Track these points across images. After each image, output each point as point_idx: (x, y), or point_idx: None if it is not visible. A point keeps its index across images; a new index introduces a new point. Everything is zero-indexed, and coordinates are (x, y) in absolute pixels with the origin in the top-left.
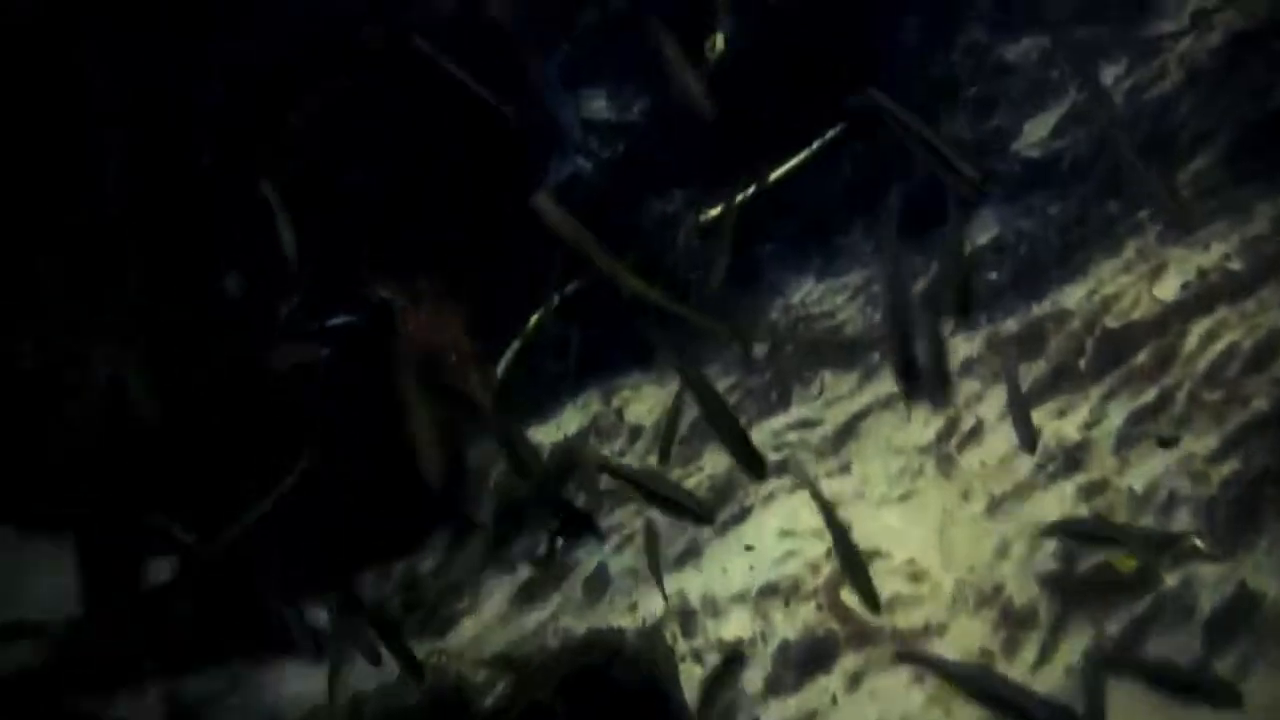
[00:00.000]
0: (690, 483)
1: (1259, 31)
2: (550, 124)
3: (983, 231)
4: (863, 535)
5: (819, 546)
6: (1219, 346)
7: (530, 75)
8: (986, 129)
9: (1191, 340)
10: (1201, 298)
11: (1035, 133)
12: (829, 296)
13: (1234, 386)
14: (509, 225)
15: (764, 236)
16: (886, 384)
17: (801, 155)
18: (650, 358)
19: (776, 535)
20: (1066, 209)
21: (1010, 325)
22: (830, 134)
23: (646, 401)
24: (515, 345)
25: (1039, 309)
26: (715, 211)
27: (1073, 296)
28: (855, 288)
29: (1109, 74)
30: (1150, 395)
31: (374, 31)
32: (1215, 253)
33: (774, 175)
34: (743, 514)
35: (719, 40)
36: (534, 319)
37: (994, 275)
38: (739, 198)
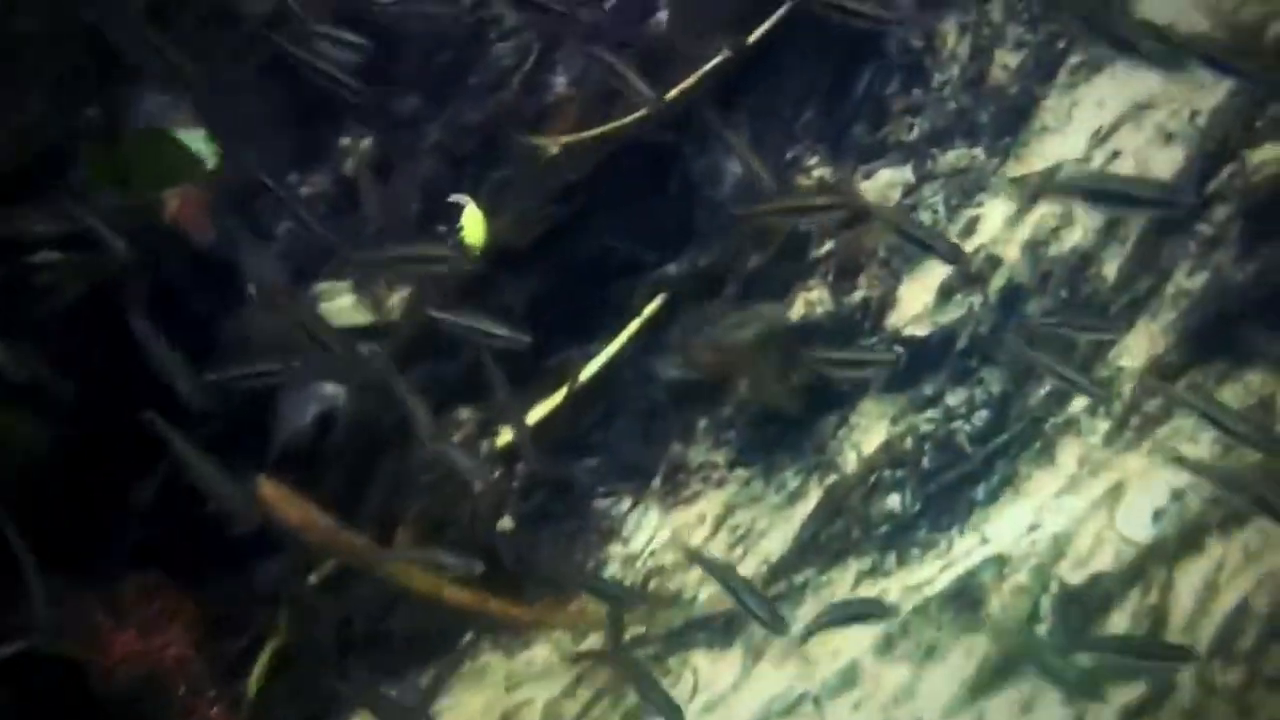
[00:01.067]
0: None
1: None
2: None
3: (866, 435)
4: None
5: None
6: (1223, 604)
7: None
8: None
9: (1184, 598)
10: (1186, 532)
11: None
12: (686, 532)
13: (1254, 663)
14: None
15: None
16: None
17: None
18: None
19: None
20: (973, 401)
21: (925, 574)
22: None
23: None
24: (270, 649)
25: (963, 551)
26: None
27: (1007, 533)
28: (716, 518)
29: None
30: (1139, 693)
31: None
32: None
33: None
34: None
35: None
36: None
37: (894, 502)
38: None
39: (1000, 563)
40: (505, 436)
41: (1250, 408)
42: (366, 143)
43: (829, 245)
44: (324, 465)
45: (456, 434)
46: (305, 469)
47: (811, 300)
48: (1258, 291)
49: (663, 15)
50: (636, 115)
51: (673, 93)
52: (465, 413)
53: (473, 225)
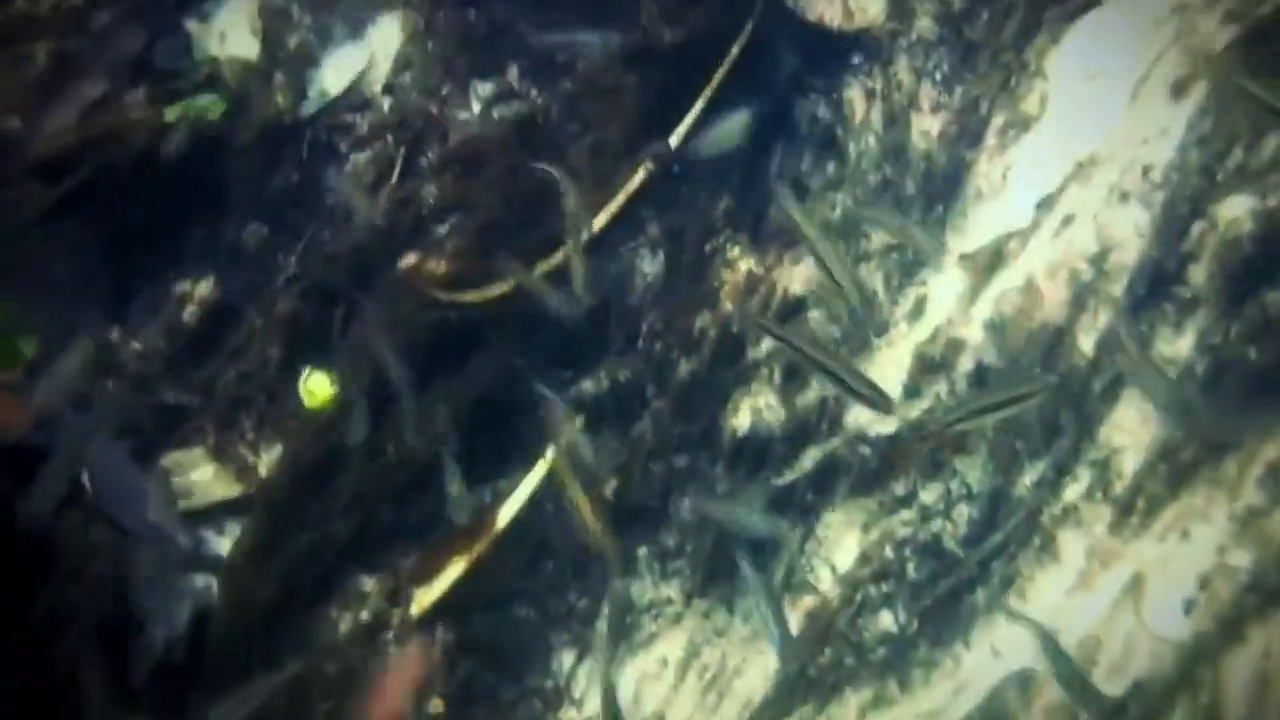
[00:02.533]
0: None
1: None
2: None
3: (837, 548)
4: None
5: None
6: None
7: None
8: (802, 406)
9: (1236, 696)
10: (1224, 622)
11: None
12: (647, 684)
13: None
14: None
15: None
16: None
17: None
18: None
19: None
20: (949, 496)
21: (937, 700)
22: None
23: None
24: None
25: (975, 669)
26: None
27: (1023, 644)
28: (680, 661)
29: None
30: None
31: None
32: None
33: None
34: None
35: None
36: None
37: (886, 621)
38: None
39: (1024, 679)
40: (421, 603)
41: (1261, 478)
42: (206, 284)
43: (767, 344)
44: (208, 675)
45: (362, 609)
46: (185, 684)
47: (758, 407)
48: (1245, 351)
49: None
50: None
51: (601, 218)
52: (369, 582)
53: (316, 390)
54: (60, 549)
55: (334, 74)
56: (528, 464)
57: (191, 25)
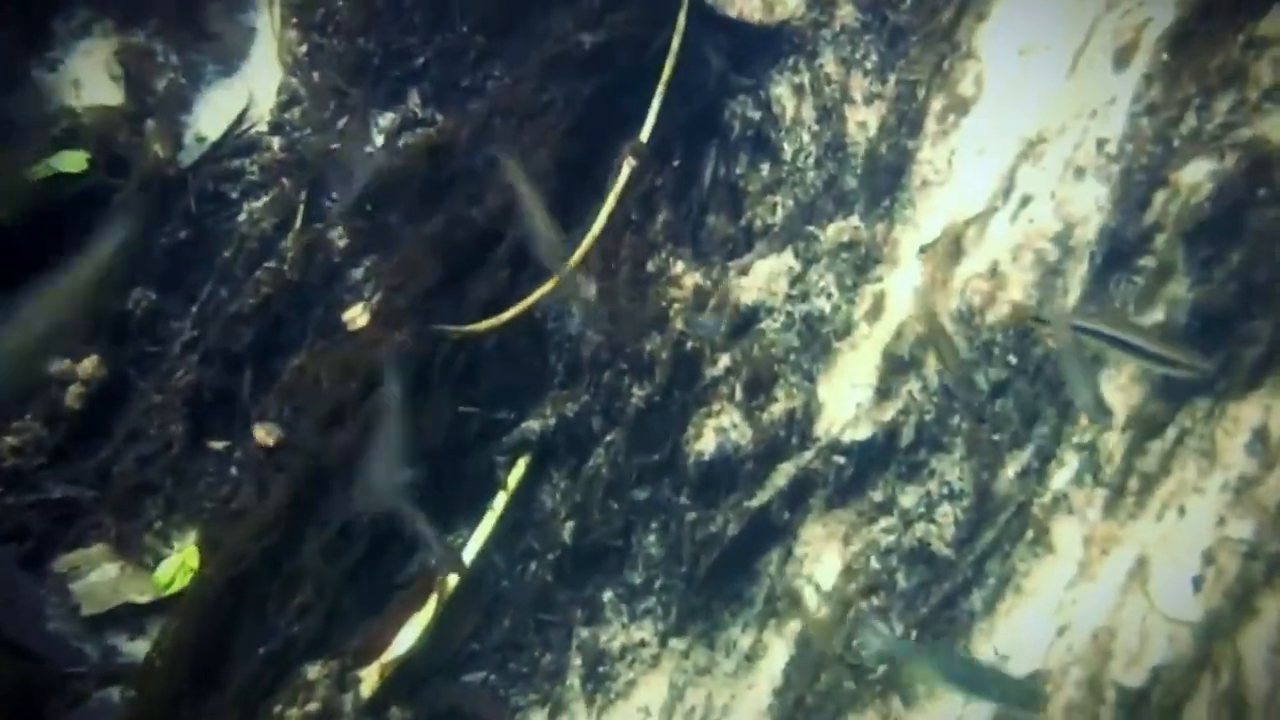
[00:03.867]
0: None
1: None
2: None
3: (819, 563)
4: None
5: None
6: None
7: None
8: (768, 421)
9: (1258, 671)
10: (1234, 596)
11: (843, 402)
12: None
13: None
14: None
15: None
16: None
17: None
18: None
19: None
20: (930, 498)
21: (946, 712)
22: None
23: None
24: None
25: None
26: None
27: (1030, 642)
28: (664, 707)
29: None
30: None
31: None
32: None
33: None
34: None
35: None
36: None
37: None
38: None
39: (1035, 681)
40: (372, 683)
41: (1248, 444)
42: (89, 361)
43: (725, 360)
44: None
45: (310, 701)
46: None
47: (723, 427)
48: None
49: None
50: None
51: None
52: (314, 670)
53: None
54: None
55: (209, 116)
56: (473, 517)
57: (39, 75)
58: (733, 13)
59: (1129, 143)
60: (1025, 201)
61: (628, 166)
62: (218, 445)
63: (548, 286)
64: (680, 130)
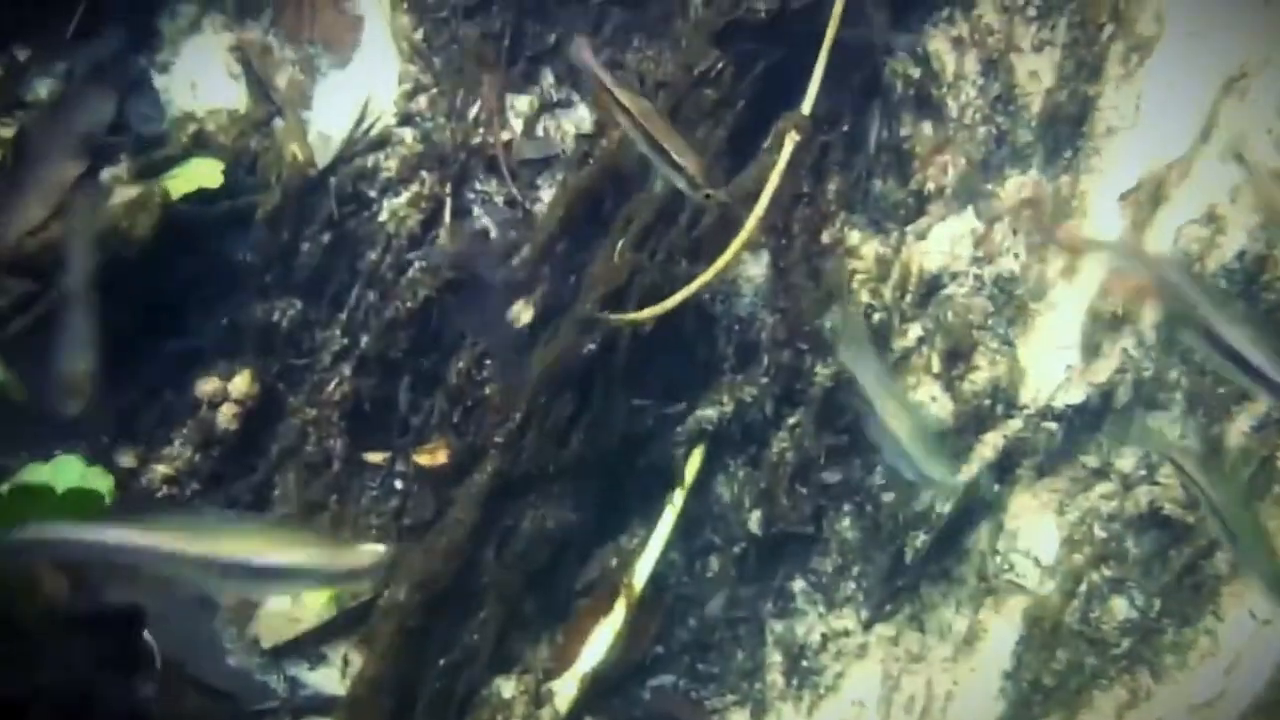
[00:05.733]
0: None
1: None
2: None
3: (1034, 537)
4: None
5: None
6: None
7: None
8: (971, 391)
9: None
10: None
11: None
12: None
13: None
14: None
15: None
16: None
17: None
18: None
19: None
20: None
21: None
22: None
23: None
24: None
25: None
26: None
27: None
28: (880, 699)
29: None
30: None
31: None
32: None
33: None
34: None
35: None
36: None
37: (1121, 608)
38: None
39: None
40: (566, 698)
41: None
42: (241, 378)
43: (916, 330)
44: None
45: (508, 718)
46: None
47: (920, 401)
48: None
49: None
50: None
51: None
52: (508, 687)
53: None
54: None
55: (329, 112)
56: (651, 516)
57: (155, 79)
58: None
59: None
60: (1237, 141)
61: (790, 141)
62: (377, 458)
63: (717, 266)
64: (848, 93)
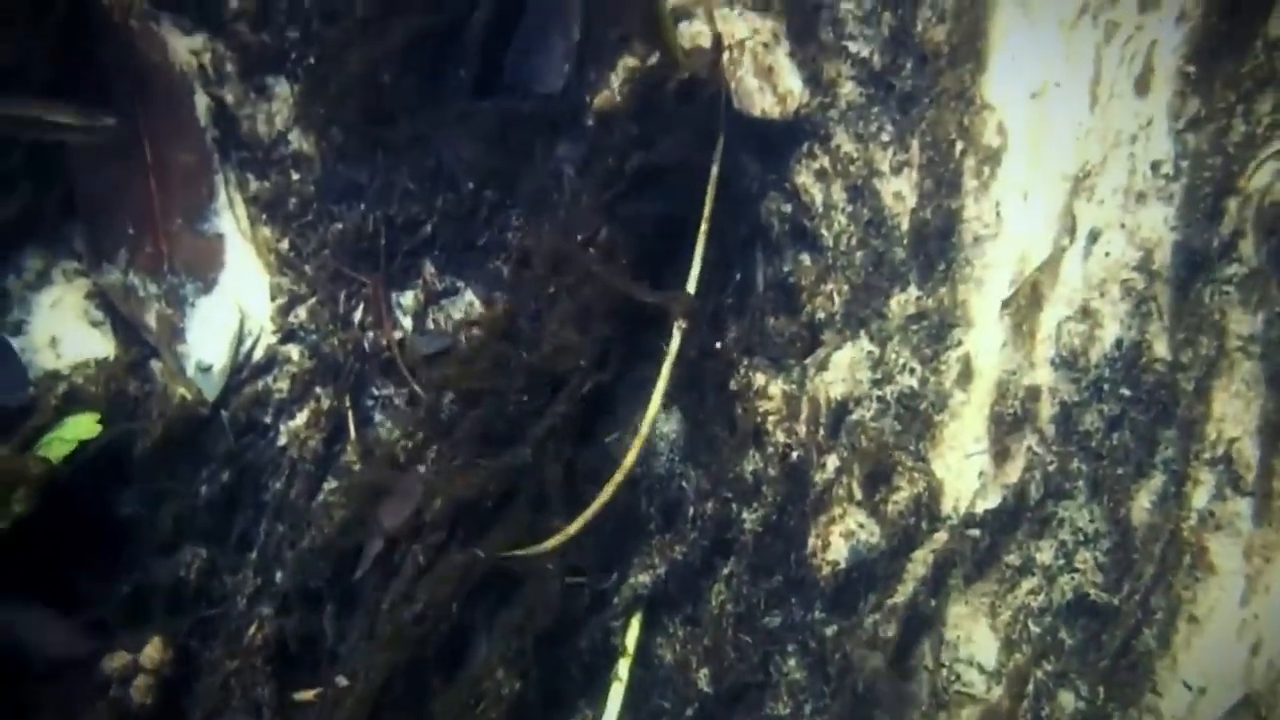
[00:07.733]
0: None
1: None
2: None
3: (969, 645)
4: None
5: None
6: None
7: None
8: (895, 515)
9: None
10: None
11: (963, 474)
12: None
13: None
14: None
15: None
16: None
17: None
18: None
19: None
20: (1071, 543)
21: None
22: None
23: None
24: None
25: None
26: None
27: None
28: None
29: None
30: None
31: None
32: None
33: None
34: None
35: None
36: None
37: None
38: None
39: (1249, 705)
40: None
41: None
42: (153, 645)
43: (833, 460)
44: None
45: None
46: None
47: (849, 531)
48: None
49: None
50: None
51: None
52: None
53: None
54: None
55: (204, 341)
56: (597, 694)
57: (12, 343)
58: (756, 113)
59: (1183, 160)
60: (1094, 236)
61: (678, 331)
62: (308, 695)
63: (616, 480)
64: (735, 242)
